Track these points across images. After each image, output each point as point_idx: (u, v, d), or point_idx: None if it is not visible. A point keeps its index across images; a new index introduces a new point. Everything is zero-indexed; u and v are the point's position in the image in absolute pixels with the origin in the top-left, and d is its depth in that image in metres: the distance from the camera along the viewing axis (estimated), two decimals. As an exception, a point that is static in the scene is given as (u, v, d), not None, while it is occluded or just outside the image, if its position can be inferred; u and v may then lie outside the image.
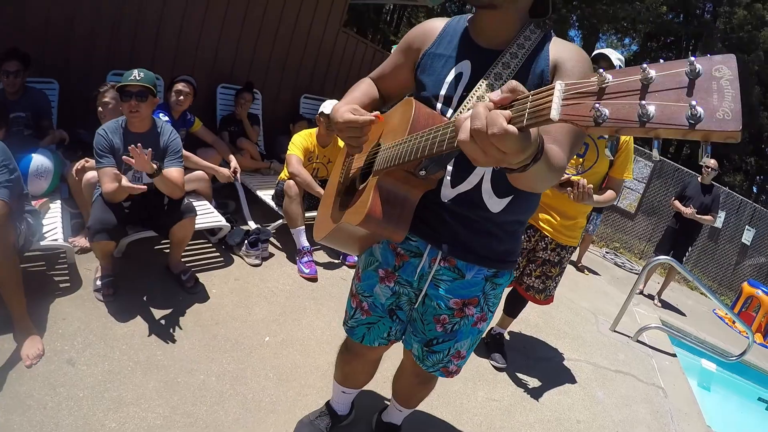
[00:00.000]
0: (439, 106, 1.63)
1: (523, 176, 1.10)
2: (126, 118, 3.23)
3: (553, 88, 0.84)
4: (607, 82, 0.77)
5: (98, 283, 3.26)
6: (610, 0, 26.67)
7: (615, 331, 5.55)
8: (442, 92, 1.63)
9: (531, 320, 4.97)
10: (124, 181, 2.85)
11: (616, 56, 3.31)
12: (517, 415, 3.45)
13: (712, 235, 11.39)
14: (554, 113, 0.82)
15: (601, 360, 4.73)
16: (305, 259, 4.39)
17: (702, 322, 7.85)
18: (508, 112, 0.93)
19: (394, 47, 1.95)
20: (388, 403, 2.73)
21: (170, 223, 3.36)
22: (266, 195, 4.97)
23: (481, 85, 1.51)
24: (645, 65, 0.73)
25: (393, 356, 2.44)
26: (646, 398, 4.31)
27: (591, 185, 3.06)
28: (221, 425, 2.57)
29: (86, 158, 3.55)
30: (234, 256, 4.28)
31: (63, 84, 4.41)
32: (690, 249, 7.76)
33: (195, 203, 3.93)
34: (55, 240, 3.22)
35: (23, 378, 2.49)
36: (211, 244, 4.36)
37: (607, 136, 3.37)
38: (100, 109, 3.76)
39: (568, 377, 4.18)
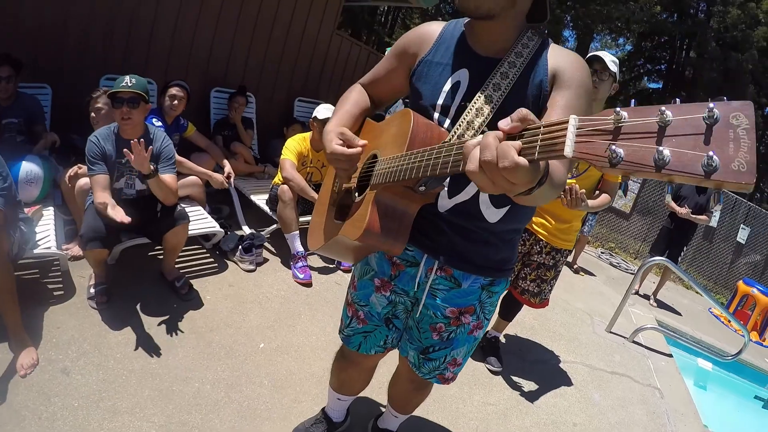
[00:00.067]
0: (436, 115, 1.61)
1: (525, 197, 1.08)
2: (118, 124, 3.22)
3: (567, 123, 0.83)
4: (623, 121, 0.76)
5: (92, 290, 3.25)
6: (604, 0, 26.71)
7: (611, 332, 5.55)
8: (440, 102, 1.60)
9: (526, 323, 4.97)
10: (110, 210, 2.81)
11: (610, 58, 3.30)
12: (513, 418, 3.44)
13: (707, 234, 11.42)
14: (568, 150, 0.80)
15: (596, 362, 4.73)
16: (300, 264, 4.38)
17: (698, 322, 7.87)
18: (518, 143, 0.91)
19: (389, 50, 1.92)
20: (384, 409, 2.73)
21: (163, 230, 3.35)
22: (260, 200, 4.95)
23: (479, 97, 1.49)
24: (663, 108, 0.72)
25: (389, 362, 2.43)
26: (643, 399, 4.31)
27: (584, 190, 3.05)
28: (216, 434, 2.56)
29: (79, 164, 3.54)
30: (228, 262, 4.27)
31: (56, 89, 4.39)
32: (685, 249, 7.77)
33: (189, 209, 3.92)
34: (49, 248, 3.21)
35: (18, 388, 2.47)
36: (205, 250, 4.34)
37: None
38: (92, 114, 3.74)
39: (564, 380, 4.18)
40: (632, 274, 9.21)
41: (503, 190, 0.97)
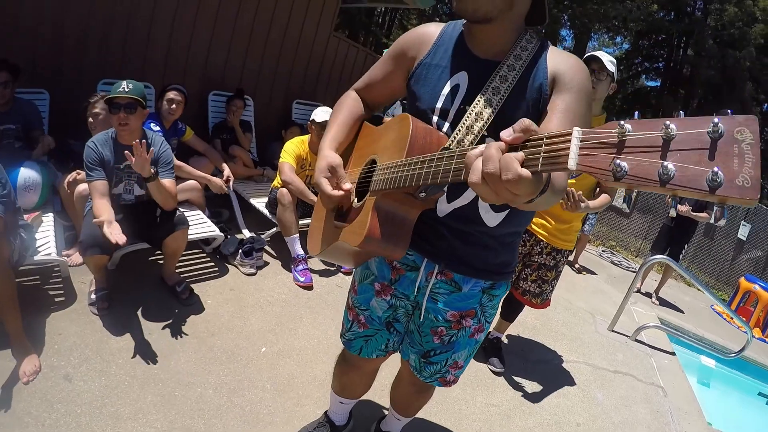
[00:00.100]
0: (435, 119, 1.59)
1: (526, 204, 1.08)
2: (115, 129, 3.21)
3: (570, 134, 0.82)
4: (627, 135, 0.75)
5: (93, 296, 3.25)
6: (601, -1, 26.79)
7: (613, 331, 5.54)
8: (438, 105, 1.59)
9: (528, 323, 4.96)
10: (106, 228, 2.79)
11: (607, 58, 3.30)
12: (517, 419, 3.43)
13: (708, 231, 11.42)
14: (572, 163, 0.79)
15: (599, 361, 4.73)
16: (300, 267, 4.37)
17: (700, 319, 7.86)
18: (521, 154, 0.90)
19: (386, 51, 1.91)
20: (387, 412, 2.72)
21: (163, 235, 3.34)
22: (260, 203, 4.95)
23: (479, 101, 1.48)
24: (667, 121, 0.71)
25: (391, 364, 2.42)
26: (646, 398, 4.30)
27: (581, 192, 3.06)
28: (219, 439, 2.55)
29: (78, 170, 3.53)
30: (229, 266, 4.26)
31: (53, 94, 4.38)
32: (686, 246, 7.77)
33: (188, 213, 3.92)
34: (49, 254, 3.20)
35: (21, 395, 2.47)
36: (205, 254, 4.34)
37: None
38: (90, 120, 3.73)
39: (566, 379, 4.18)
40: (633, 272, 9.19)
41: (505, 201, 0.96)
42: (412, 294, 1.85)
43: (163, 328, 3.27)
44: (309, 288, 4.32)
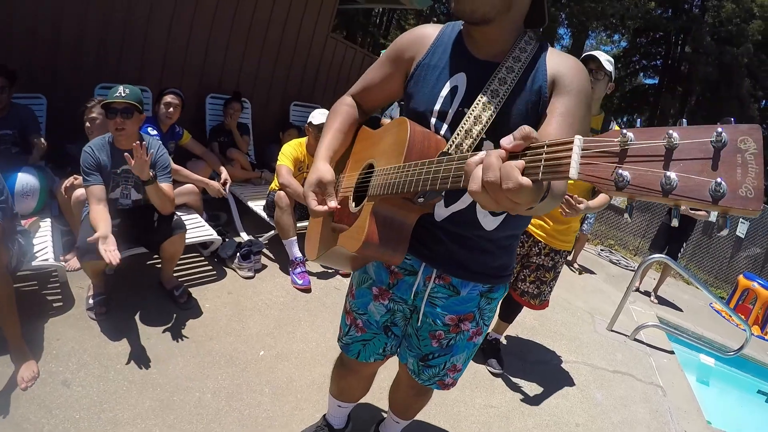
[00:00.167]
0: (433, 120, 1.58)
1: (525, 211, 1.07)
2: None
3: (572, 143, 0.81)
4: (630, 144, 0.75)
5: (91, 301, 3.24)
6: (598, -3, 26.81)
7: (612, 331, 5.54)
8: (437, 107, 1.57)
9: (527, 323, 4.97)
10: (101, 245, 2.78)
11: (605, 57, 3.30)
12: (516, 420, 3.43)
13: (706, 229, 11.41)
14: (573, 172, 0.79)
15: (598, 361, 4.73)
16: (298, 270, 4.37)
17: (699, 317, 7.86)
18: (521, 162, 0.90)
19: (383, 52, 1.90)
20: (385, 415, 2.72)
21: (160, 240, 3.35)
22: (258, 206, 4.94)
23: (478, 104, 1.47)
24: (670, 130, 0.71)
25: (389, 367, 2.42)
26: (645, 397, 4.30)
27: (576, 195, 3.06)
28: (217, 444, 2.55)
29: (75, 175, 3.52)
30: (227, 269, 4.26)
31: (51, 99, 4.38)
32: (685, 244, 7.78)
33: (186, 217, 3.92)
34: (46, 260, 3.19)
35: (19, 401, 2.47)
36: (203, 258, 4.34)
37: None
38: (87, 124, 3.73)
39: (565, 380, 4.18)
40: (632, 271, 9.20)
41: (505, 209, 0.96)
42: (410, 298, 1.85)
43: (162, 332, 3.27)
44: (307, 291, 4.31)
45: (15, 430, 2.31)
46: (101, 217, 2.94)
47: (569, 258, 7.80)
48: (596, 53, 3.32)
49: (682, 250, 7.72)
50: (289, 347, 3.48)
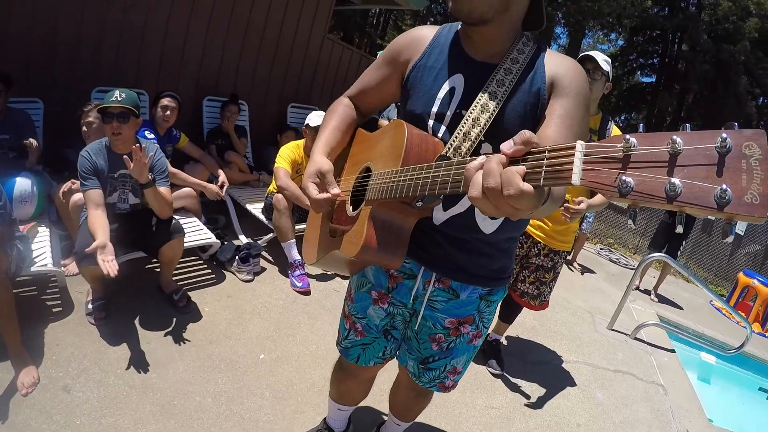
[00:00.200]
0: (431, 122, 1.57)
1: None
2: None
3: (573, 148, 0.80)
4: (633, 149, 0.73)
5: (90, 306, 3.23)
6: (595, -4, 26.85)
7: (612, 330, 5.54)
8: (434, 109, 1.56)
9: (527, 323, 4.96)
10: (99, 255, 2.76)
11: (602, 58, 3.30)
12: (517, 421, 3.43)
13: (705, 227, 11.44)
14: (575, 178, 0.78)
15: (599, 360, 4.72)
16: (297, 272, 4.36)
17: (700, 315, 7.87)
18: (522, 168, 0.88)
19: (380, 53, 1.88)
20: (386, 418, 2.71)
21: (159, 244, 3.34)
22: (256, 209, 4.93)
23: (476, 106, 1.46)
24: (674, 136, 0.70)
25: (389, 369, 2.41)
26: (646, 397, 4.30)
27: (575, 196, 3.06)
28: (218, 448, 2.54)
29: (72, 179, 3.51)
30: (226, 273, 4.25)
31: (47, 103, 4.37)
32: (684, 242, 7.79)
33: (184, 220, 3.92)
34: (45, 265, 3.18)
35: (20, 407, 2.46)
36: (202, 261, 4.33)
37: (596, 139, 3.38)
38: (84, 128, 3.73)
39: (566, 380, 4.17)
40: (632, 269, 9.21)
41: (506, 215, 0.94)
42: (410, 302, 1.84)
43: (161, 336, 3.25)
44: (306, 293, 4.31)
45: (16, 436, 2.31)
46: (99, 224, 2.93)
47: (569, 257, 7.80)
48: (593, 53, 3.31)
49: (681, 248, 7.74)
50: (289, 350, 3.47)
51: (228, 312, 3.71)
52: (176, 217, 3.50)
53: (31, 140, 3.79)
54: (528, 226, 3.48)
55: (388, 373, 2.73)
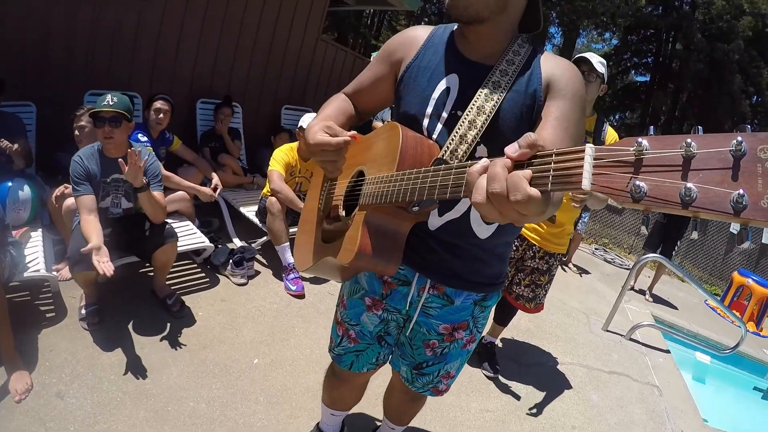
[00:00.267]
0: (425, 123, 1.55)
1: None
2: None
3: (583, 152, 0.77)
4: (645, 153, 0.71)
5: (83, 311, 3.22)
6: (589, -5, 26.89)
7: (607, 331, 5.55)
8: (429, 110, 1.54)
9: (522, 325, 4.96)
10: (94, 256, 2.75)
11: (597, 59, 3.30)
12: (512, 424, 3.43)
13: (700, 226, 11.45)
14: (586, 183, 0.75)
15: (594, 362, 4.73)
16: (292, 275, 4.35)
17: (694, 315, 7.89)
18: (528, 172, 0.85)
19: (374, 54, 1.86)
20: (379, 423, 2.70)
21: (152, 249, 3.32)
22: (250, 211, 4.92)
23: (472, 108, 1.44)
24: (688, 139, 0.68)
25: (383, 372, 2.40)
26: (641, 398, 4.30)
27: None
28: (211, 455, 2.54)
29: (65, 184, 3.49)
30: (220, 276, 4.24)
31: (40, 106, 4.34)
32: (679, 242, 7.80)
33: (178, 224, 3.91)
34: (38, 270, 3.17)
35: (13, 414, 2.45)
36: (196, 265, 4.31)
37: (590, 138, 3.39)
38: (76, 133, 3.71)
39: (561, 382, 4.18)
40: (627, 269, 9.22)
41: (511, 221, 0.91)
42: (404, 308, 1.82)
43: (155, 341, 3.24)
44: (301, 297, 4.30)
45: (9, 443, 2.30)
46: (93, 228, 2.91)
47: (563, 258, 7.80)
48: (588, 55, 3.31)
49: (676, 248, 7.75)
50: (284, 355, 3.46)
51: (222, 316, 3.70)
52: (169, 220, 3.49)
53: (6, 142, 3.73)
54: (523, 229, 3.48)
55: (382, 377, 2.72)
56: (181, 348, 3.24)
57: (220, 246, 4.41)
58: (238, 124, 6.11)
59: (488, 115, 1.43)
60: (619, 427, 3.78)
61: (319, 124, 1.49)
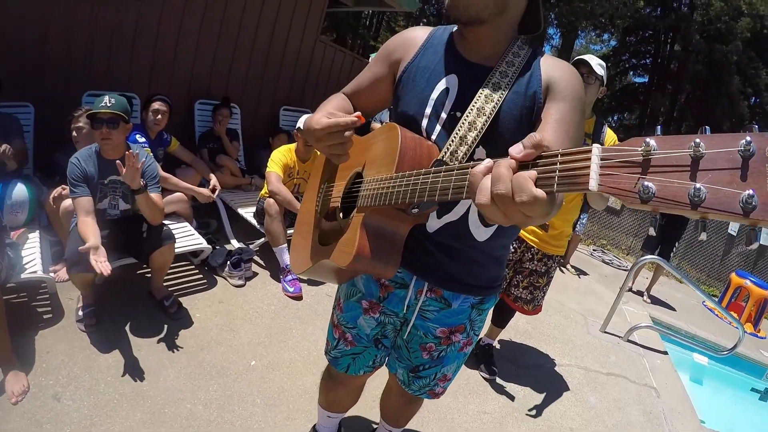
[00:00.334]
0: (424, 124, 1.54)
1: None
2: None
3: (589, 152, 0.76)
4: (653, 153, 0.71)
5: (80, 313, 3.21)
6: (588, -4, 26.90)
7: (605, 332, 5.55)
8: (427, 111, 1.53)
9: (520, 327, 4.96)
10: (92, 256, 2.75)
11: (596, 62, 3.30)
12: (510, 426, 3.42)
13: (698, 227, 11.46)
14: (593, 183, 0.74)
15: (592, 363, 4.73)
16: (289, 277, 4.35)
17: (692, 316, 7.89)
18: (533, 173, 0.84)
19: (373, 55, 1.85)
20: (376, 426, 2.70)
21: (149, 251, 3.32)
22: (248, 213, 4.92)
23: (471, 109, 1.43)
24: (696, 139, 0.67)
25: (380, 374, 2.39)
26: (639, 399, 4.31)
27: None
28: (208, 457, 2.53)
29: (63, 185, 3.48)
30: (217, 278, 4.23)
31: (38, 107, 4.32)
32: (677, 243, 7.80)
33: (175, 225, 3.90)
34: (35, 272, 3.16)
35: (10, 416, 2.44)
36: (193, 266, 4.31)
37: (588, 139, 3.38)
38: (74, 134, 3.71)
39: (559, 384, 4.18)
40: (625, 270, 9.23)
41: (515, 223, 0.90)
42: (402, 311, 1.81)
43: (152, 343, 3.24)
44: (298, 298, 4.29)
45: (4, 445, 2.29)
46: (90, 229, 2.91)
47: (562, 260, 7.81)
48: (587, 57, 3.31)
49: (674, 249, 7.75)
50: (281, 356, 3.46)
51: (219, 318, 3.70)
52: (167, 221, 3.48)
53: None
54: (521, 231, 3.47)
55: (379, 379, 2.72)
56: (178, 350, 3.23)
57: (217, 247, 4.41)
58: (237, 125, 6.10)
59: (488, 117, 1.42)
60: (617, 428, 3.78)
61: (321, 112, 1.48)
